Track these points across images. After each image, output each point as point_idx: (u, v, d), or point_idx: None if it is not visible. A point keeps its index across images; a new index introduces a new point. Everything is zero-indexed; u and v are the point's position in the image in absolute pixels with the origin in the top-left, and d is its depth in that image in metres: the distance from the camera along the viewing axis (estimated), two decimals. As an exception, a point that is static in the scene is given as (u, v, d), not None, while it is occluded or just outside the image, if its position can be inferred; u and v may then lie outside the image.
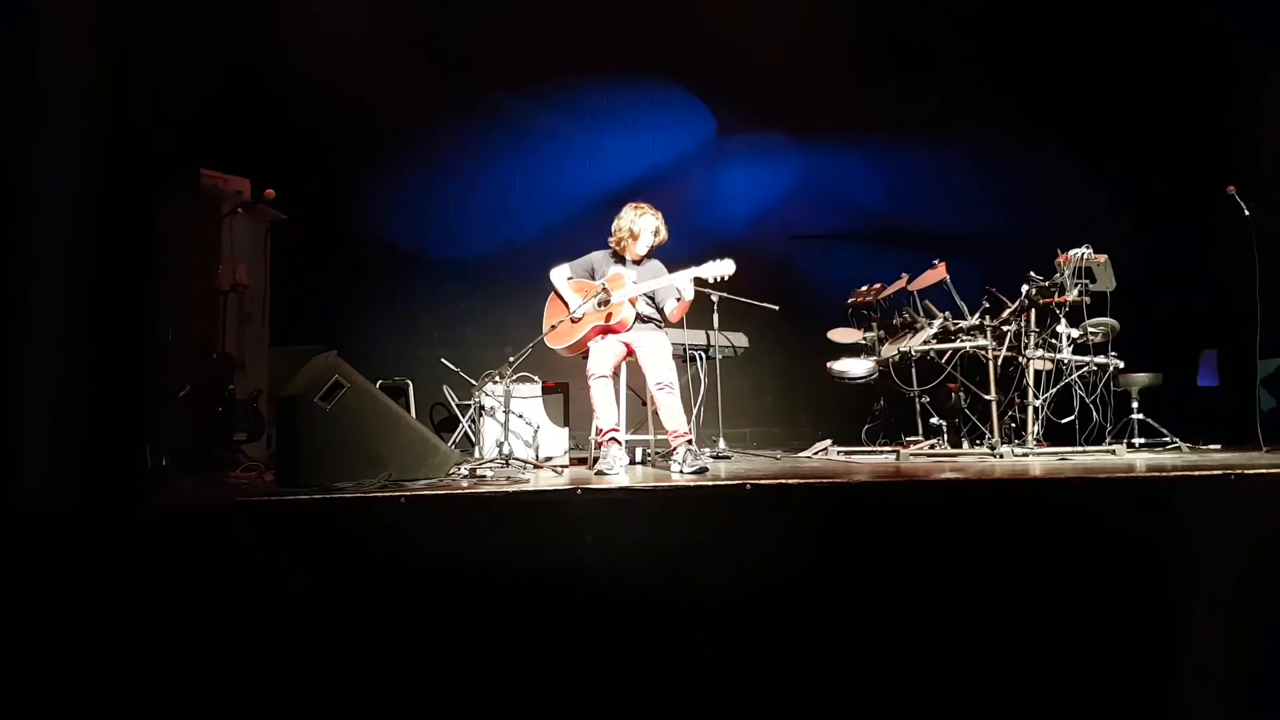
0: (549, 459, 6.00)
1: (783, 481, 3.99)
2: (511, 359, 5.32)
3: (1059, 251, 6.18)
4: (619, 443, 5.17)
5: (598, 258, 5.62)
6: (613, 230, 5.56)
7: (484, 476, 4.67)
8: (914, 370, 6.69)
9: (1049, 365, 6.16)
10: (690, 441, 5.06)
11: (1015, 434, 6.24)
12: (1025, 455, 5.76)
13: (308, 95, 7.42)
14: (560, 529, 3.73)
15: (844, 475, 4.47)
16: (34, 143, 3.66)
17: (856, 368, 6.86)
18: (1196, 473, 4.22)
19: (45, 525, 3.38)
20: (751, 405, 8.35)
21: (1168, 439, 6.51)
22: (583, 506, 3.80)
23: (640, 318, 5.41)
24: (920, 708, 3.69)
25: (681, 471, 4.80)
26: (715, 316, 6.61)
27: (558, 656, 3.58)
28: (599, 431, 5.22)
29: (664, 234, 5.53)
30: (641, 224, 5.47)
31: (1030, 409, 6.06)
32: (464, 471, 4.73)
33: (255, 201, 6.03)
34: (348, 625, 3.49)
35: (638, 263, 5.54)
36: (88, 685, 3.27)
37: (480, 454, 5.91)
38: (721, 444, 6.63)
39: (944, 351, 6.31)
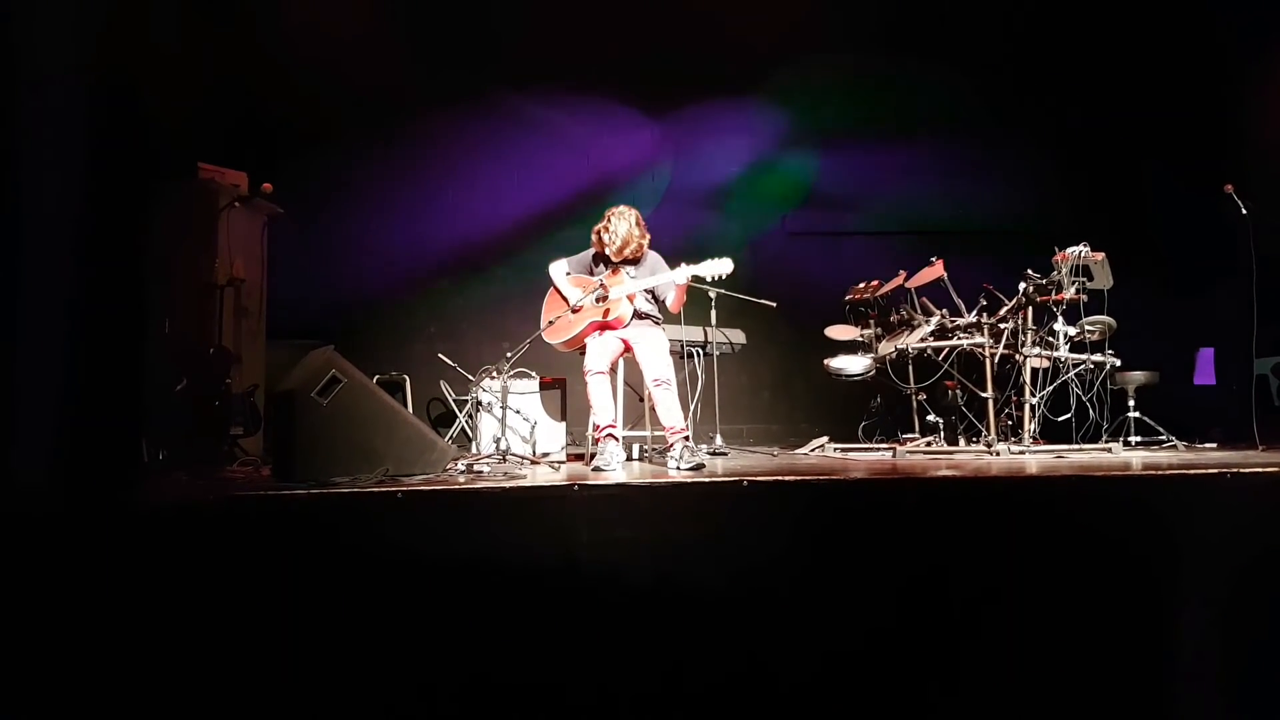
0: (546, 455, 5.99)
1: (779, 478, 3.99)
2: (509, 354, 5.32)
3: (1057, 249, 6.18)
4: (616, 439, 5.17)
5: (595, 251, 5.61)
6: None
7: (481, 472, 4.67)
8: (911, 367, 6.68)
9: (1046, 363, 6.17)
10: (687, 438, 5.06)
11: (1012, 432, 6.25)
12: (1021, 453, 5.76)
13: (306, 89, 7.40)
14: (557, 525, 3.73)
15: (840, 472, 4.47)
16: (29, 138, 3.66)
17: (854, 365, 6.85)
18: (1192, 471, 4.23)
19: (39, 521, 3.37)
20: (749, 402, 8.35)
21: (1164, 437, 6.52)
22: (579, 502, 3.81)
23: (638, 314, 5.40)
24: (916, 705, 3.70)
25: (678, 468, 4.80)
26: (713, 313, 6.61)
27: (553, 651, 3.58)
28: (596, 427, 5.21)
29: (638, 235, 5.45)
30: (612, 232, 5.42)
31: (1027, 407, 6.06)
32: (461, 467, 4.72)
33: (252, 195, 6.02)
34: (343, 620, 3.49)
35: (633, 260, 5.53)
36: (82, 681, 3.27)
37: (477, 449, 5.91)
38: (718, 440, 6.64)
39: (941, 349, 6.31)
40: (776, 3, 8.08)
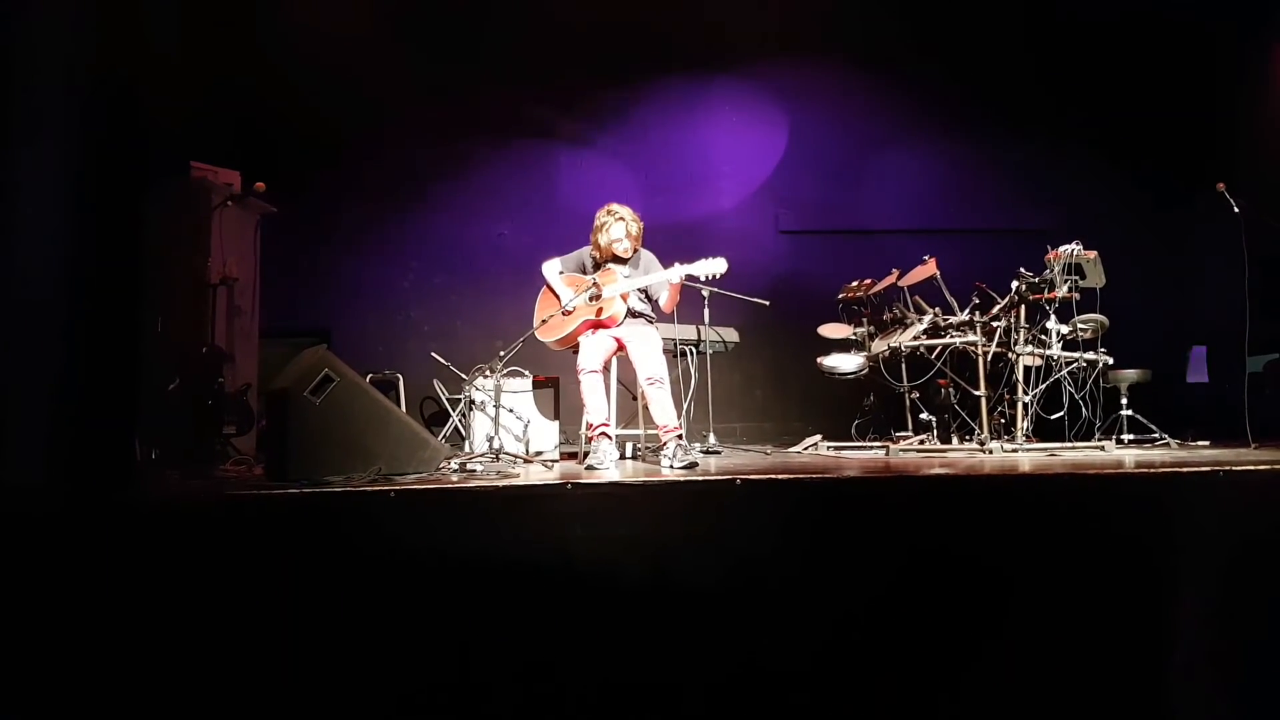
0: (539, 453, 6.00)
1: (772, 477, 3.99)
2: (502, 353, 5.32)
3: (1049, 248, 6.20)
4: (609, 437, 5.17)
5: (589, 252, 5.61)
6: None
7: (474, 471, 4.66)
8: (904, 366, 6.70)
9: (1038, 361, 6.17)
10: (680, 436, 5.06)
11: (1004, 430, 6.26)
12: (1014, 451, 5.77)
13: (299, 87, 7.40)
14: (550, 523, 3.73)
15: (834, 470, 4.48)
16: (25, 137, 3.65)
17: (847, 363, 6.86)
18: (1185, 469, 4.24)
19: (34, 520, 3.37)
20: (742, 400, 8.36)
21: (1156, 435, 6.53)
22: (573, 501, 3.81)
23: (631, 313, 5.41)
24: (908, 704, 3.70)
25: (671, 466, 4.79)
26: (706, 311, 6.61)
27: (547, 649, 3.58)
28: (589, 426, 5.22)
29: (632, 235, 5.48)
30: (606, 232, 5.45)
31: (1019, 405, 6.07)
32: (454, 466, 4.72)
33: (245, 194, 6.00)
34: (337, 619, 3.49)
35: (627, 259, 5.53)
36: (74, 679, 3.27)
37: (470, 448, 5.90)
38: (712, 439, 6.64)
39: (934, 347, 6.31)
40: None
